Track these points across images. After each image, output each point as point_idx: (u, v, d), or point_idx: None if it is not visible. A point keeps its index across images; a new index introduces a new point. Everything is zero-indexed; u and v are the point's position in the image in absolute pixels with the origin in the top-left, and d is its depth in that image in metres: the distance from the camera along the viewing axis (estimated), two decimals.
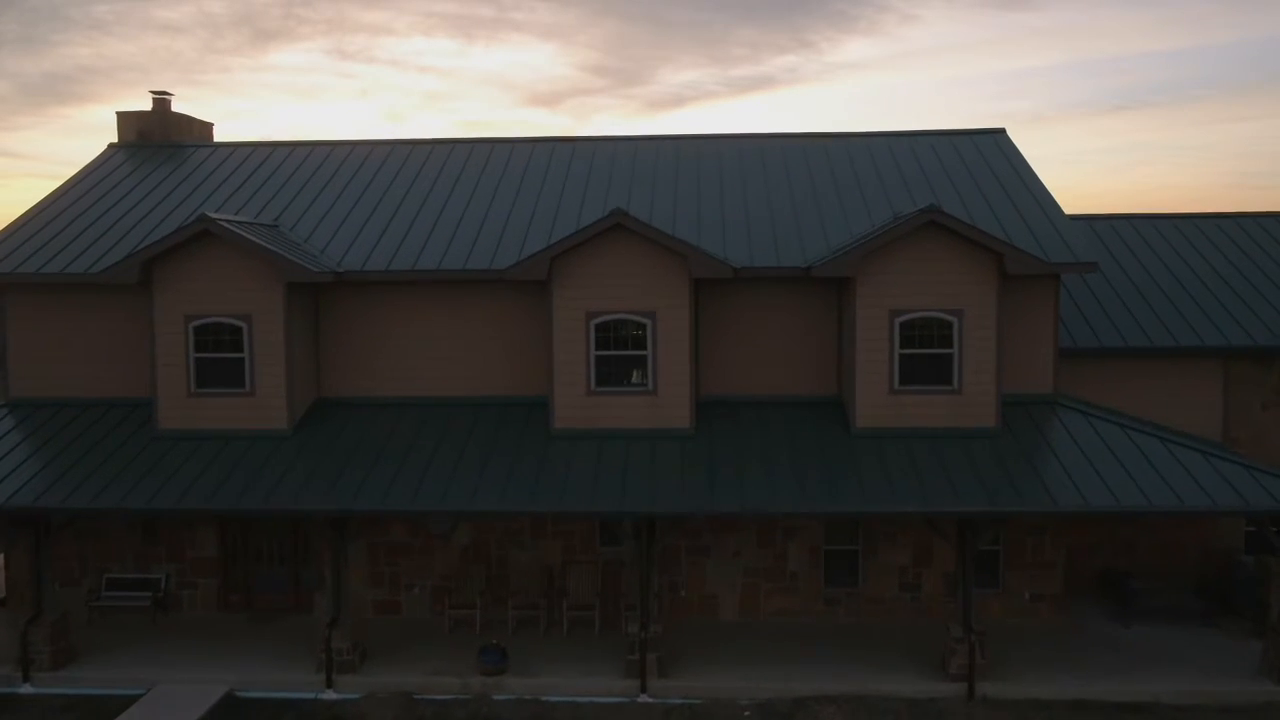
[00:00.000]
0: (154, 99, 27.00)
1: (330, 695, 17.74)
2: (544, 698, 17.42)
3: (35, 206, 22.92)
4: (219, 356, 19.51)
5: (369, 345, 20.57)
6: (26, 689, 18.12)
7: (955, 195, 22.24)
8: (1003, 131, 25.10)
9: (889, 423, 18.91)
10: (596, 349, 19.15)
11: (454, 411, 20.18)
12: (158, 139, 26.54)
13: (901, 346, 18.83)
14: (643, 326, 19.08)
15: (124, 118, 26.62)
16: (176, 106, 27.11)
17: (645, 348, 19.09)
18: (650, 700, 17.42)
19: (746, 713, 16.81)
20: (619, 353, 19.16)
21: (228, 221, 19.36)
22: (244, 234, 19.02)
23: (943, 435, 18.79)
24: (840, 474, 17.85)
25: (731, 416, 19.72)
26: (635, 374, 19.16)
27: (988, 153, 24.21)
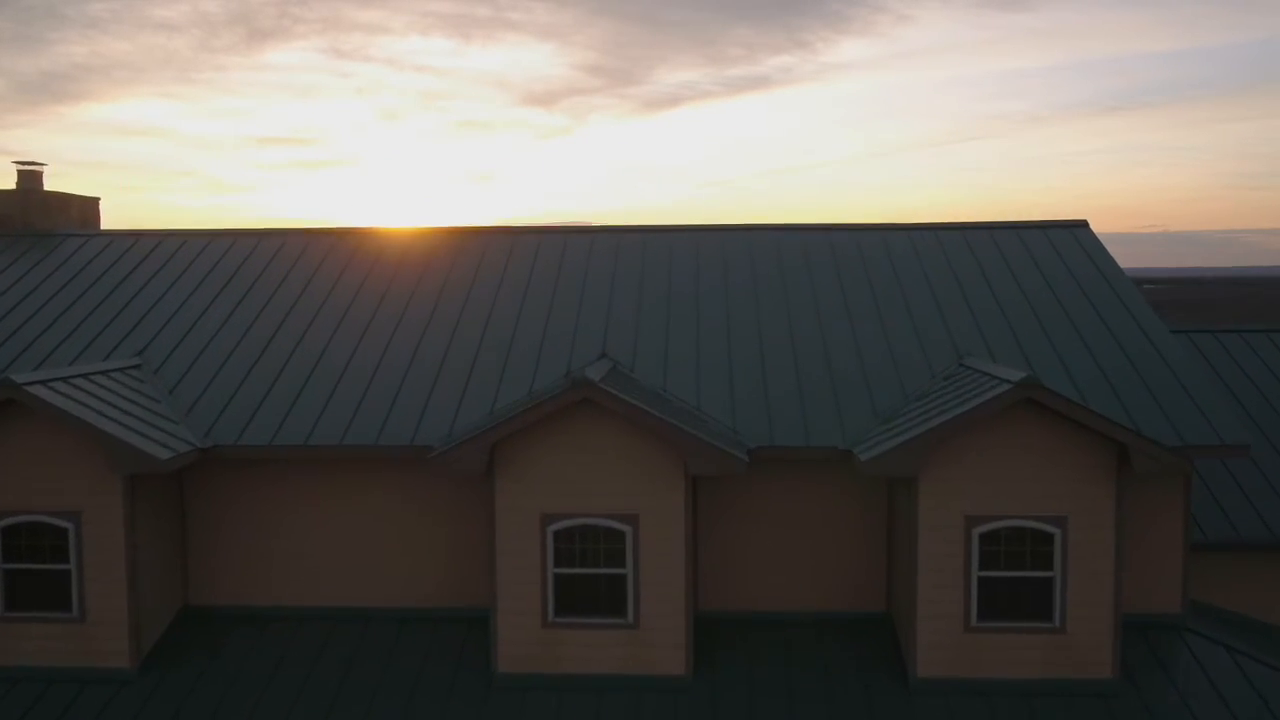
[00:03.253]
0: (19, 172, 21.65)
1: None
2: None
3: None
4: (36, 568, 14.13)
5: (252, 538, 15.24)
6: None
7: (1035, 323, 16.94)
8: (1085, 225, 19.79)
9: (962, 671, 13.58)
10: (556, 565, 13.80)
11: (367, 629, 14.89)
12: (19, 225, 21.16)
13: (981, 567, 13.51)
14: (620, 536, 13.73)
15: None
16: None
17: (624, 565, 13.75)
18: None
19: None
20: (587, 571, 13.81)
21: (47, 383, 13.99)
22: (66, 408, 13.61)
23: (1038, 690, 13.46)
24: None
25: (741, 645, 14.40)
26: (609, 600, 13.81)
27: (1070, 257, 18.86)
